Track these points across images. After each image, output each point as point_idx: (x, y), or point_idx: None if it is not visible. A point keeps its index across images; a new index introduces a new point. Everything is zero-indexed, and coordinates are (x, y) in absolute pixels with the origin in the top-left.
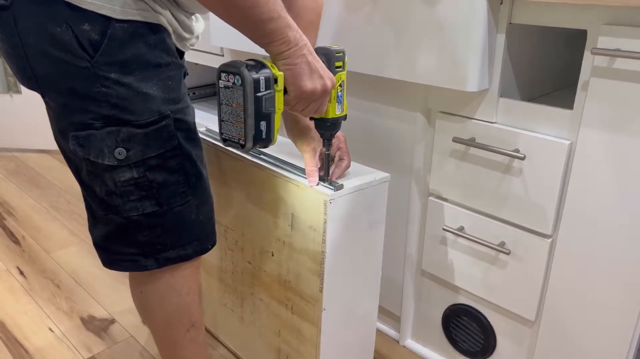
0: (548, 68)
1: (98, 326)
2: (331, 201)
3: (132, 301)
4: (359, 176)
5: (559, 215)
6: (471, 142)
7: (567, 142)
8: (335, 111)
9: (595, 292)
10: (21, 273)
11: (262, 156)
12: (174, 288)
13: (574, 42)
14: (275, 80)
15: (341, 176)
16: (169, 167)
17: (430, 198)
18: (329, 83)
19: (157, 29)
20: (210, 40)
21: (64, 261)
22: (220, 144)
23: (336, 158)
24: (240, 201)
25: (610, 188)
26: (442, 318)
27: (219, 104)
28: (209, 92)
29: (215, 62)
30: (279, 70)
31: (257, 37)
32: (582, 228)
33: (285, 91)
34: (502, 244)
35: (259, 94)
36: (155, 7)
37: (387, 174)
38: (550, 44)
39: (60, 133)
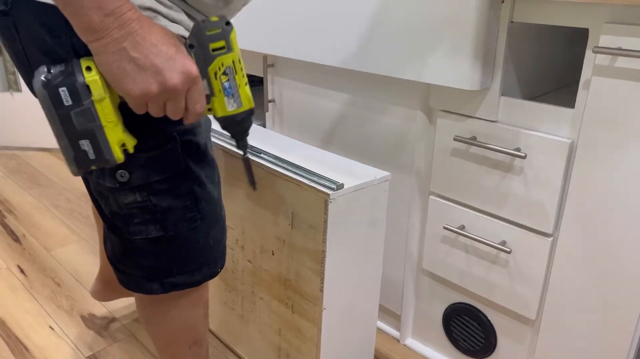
0: (549, 67)
1: (99, 324)
2: (332, 200)
3: (133, 300)
4: (360, 175)
5: (560, 214)
6: (472, 141)
7: (569, 141)
8: (225, 107)
9: (595, 291)
10: (22, 271)
11: (261, 154)
12: (178, 306)
13: (575, 40)
14: (89, 87)
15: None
16: (176, 192)
17: (431, 196)
18: (173, 81)
19: None
20: None
21: (64, 259)
22: (221, 143)
23: None
24: (241, 200)
25: (611, 187)
26: (443, 316)
27: None
28: None
29: None
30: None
31: (73, 24)
32: (583, 227)
33: None
34: (503, 243)
35: (61, 111)
36: (169, 15)
37: (388, 173)
38: (552, 43)
39: None
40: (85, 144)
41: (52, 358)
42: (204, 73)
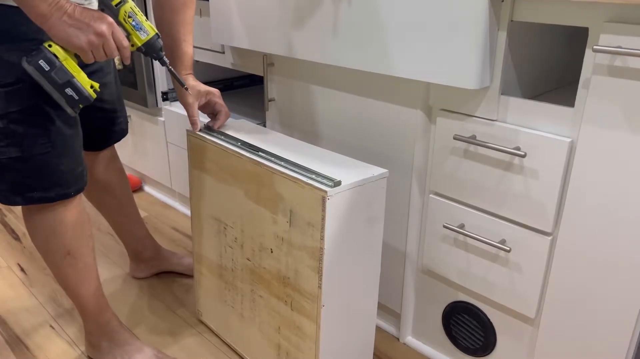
0: (549, 66)
1: None
2: (329, 197)
3: (133, 299)
4: (358, 172)
5: (559, 212)
6: (472, 140)
7: (568, 140)
8: (140, 38)
9: (595, 290)
10: (22, 269)
11: (260, 152)
12: (46, 220)
13: (575, 39)
14: (55, 55)
15: (222, 125)
16: (29, 122)
17: (430, 195)
18: (101, 28)
19: (21, 11)
20: (211, 38)
21: None
22: (219, 142)
23: (217, 113)
24: (239, 198)
25: (610, 185)
26: (443, 315)
27: None
28: None
29: (217, 60)
30: (56, 43)
31: (27, 14)
32: (582, 226)
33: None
34: (503, 241)
35: (47, 74)
36: None
37: (386, 170)
38: (552, 42)
39: None
40: (69, 91)
41: (52, 357)
42: (117, 22)
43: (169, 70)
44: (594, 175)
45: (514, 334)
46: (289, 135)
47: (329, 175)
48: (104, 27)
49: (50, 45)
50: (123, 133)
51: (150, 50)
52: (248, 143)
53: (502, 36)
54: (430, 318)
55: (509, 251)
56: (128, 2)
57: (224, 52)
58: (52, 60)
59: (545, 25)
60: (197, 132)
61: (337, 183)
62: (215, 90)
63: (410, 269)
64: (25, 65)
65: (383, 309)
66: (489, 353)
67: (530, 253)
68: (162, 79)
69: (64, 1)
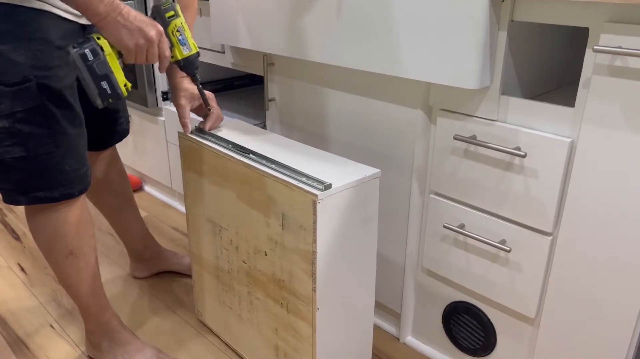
0: (550, 66)
1: None
2: (320, 201)
3: (134, 299)
4: (349, 173)
5: (559, 212)
6: (472, 140)
7: (568, 140)
8: (182, 52)
9: (595, 290)
10: (22, 269)
11: (250, 155)
12: (50, 220)
13: (575, 39)
14: (102, 48)
15: (214, 127)
16: (34, 121)
17: (430, 195)
18: (151, 34)
19: (29, 10)
20: (211, 38)
21: None
22: (210, 144)
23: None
24: (232, 201)
25: (611, 185)
26: (443, 315)
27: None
28: (210, 88)
29: (217, 60)
30: (105, 38)
31: (84, 14)
32: (583, 226)
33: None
34: (503, 241)
35: (89, 63)
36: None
37: (378, 170)
38: (552, 42)
39: None
40: (104, 84)
41: (53, 357)
42: (165, 33)
43: (199, 90)
44: (594, 175)
45: (514, 334)
46: (289, 135)
47: (320, 178)
48: (153, 33)
49: (98, 38)
50: (125, 133)
51: (188, 65)
52: (238, 145)
53: (502, 36)
54: (430, 318)
55: (509, 251)
56: (180, 17)
57: (224, 52)
58: (97, 52)
59: (545, 25)
60: (188, 134)
61: (328, 186)
62: (208, 93)
63: (410, 269)
64: (71, 50)
65: (383, 309)
66: (489, 353)
67: (530, 253)
68: (162, 79)
69: (118, 1)
